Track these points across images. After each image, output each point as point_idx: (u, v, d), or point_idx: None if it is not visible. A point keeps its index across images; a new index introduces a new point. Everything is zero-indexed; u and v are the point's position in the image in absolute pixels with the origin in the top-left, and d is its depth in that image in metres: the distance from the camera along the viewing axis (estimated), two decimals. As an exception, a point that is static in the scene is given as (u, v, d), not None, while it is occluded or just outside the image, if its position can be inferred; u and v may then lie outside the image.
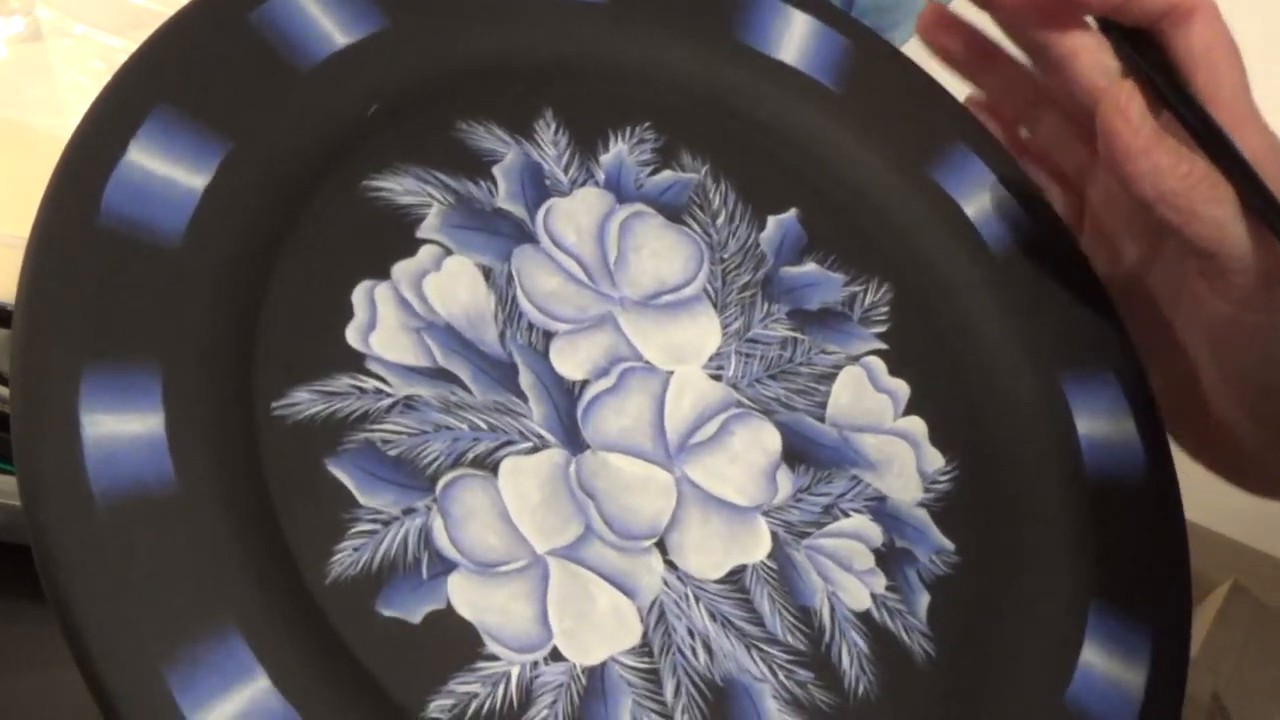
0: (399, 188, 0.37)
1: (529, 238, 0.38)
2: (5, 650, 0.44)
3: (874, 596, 0.36)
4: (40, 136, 0.53)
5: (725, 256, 0.40)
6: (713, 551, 0.35)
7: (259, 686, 0.28)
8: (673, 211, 0.40)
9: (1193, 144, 0.39)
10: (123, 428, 0.30)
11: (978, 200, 0.45)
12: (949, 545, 0.38)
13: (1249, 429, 0.41)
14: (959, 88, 0.48)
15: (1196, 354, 0.42)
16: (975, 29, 0.47)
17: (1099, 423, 0.41)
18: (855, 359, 0.40)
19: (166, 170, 0.33)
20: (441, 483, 0.33)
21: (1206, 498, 0.46)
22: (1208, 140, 0.39)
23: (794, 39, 0.45)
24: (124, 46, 0.57)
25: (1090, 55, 0.42)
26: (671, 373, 0.37)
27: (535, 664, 0.31)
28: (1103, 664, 0.37)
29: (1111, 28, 0.42)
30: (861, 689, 0.35)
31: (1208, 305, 0.40)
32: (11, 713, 0.43)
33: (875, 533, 0.37)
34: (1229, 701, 0.42)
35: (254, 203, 0.34)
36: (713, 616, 0.34)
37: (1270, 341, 0.39)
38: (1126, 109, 0.39)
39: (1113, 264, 0.46)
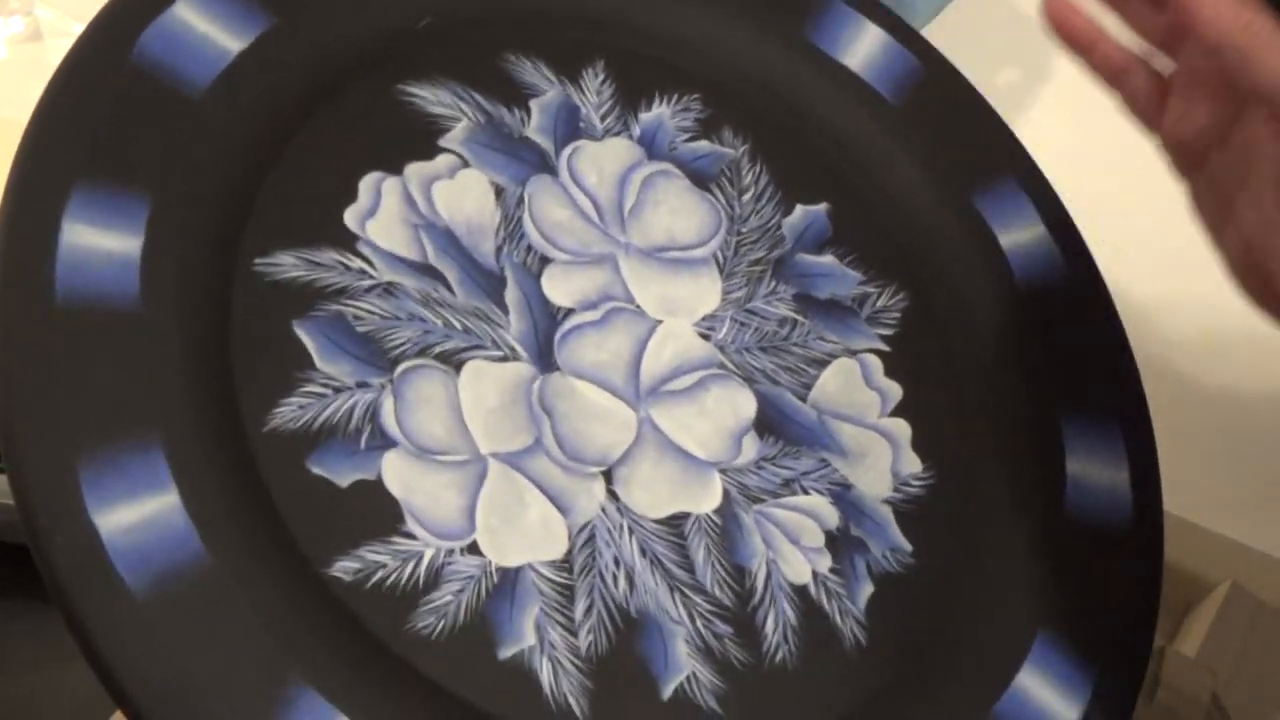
0: (433, 98, 0.38)
1: (549, 170, 0.38)
2: (5, 650, 0.45)
3: (815, 574, 0.36)
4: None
5: (744, 230, 0.40)
6: (659, 493, 0.35)
7: (167, 501, 0.29)
8: (701, 179, 0.41)
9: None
10: (99, 241, 0.31)
11: (1015, 234, 0.44)
12: (906, 546, 0.37)
13: None
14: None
15: (1270, 210, 0.41)
16: None
17: (1091, 466, 0.40)
18: (853, 353, 0.40)
19: (206, 28, 0.35)
20: (401, 367, 0.33)
21: (1206, 498, 0.45)
22: None
23: (863, 49, 0.45)
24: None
25: None
26: (660, 322, 0.37)
27: (451, 551, 0.31)
28: (1038, 691, 0.36)
29: None
30: (780, 656, 0.34)
31: (1275, 153, 0.40)
32: (11, 712, 0.44)
33: (832, 516, 0.37)
34: (1229, 701, 0.40)
35: (286, 77, 0.35)
36: (643, 552, 0.34)
37: None
38: None
39: (1196, 127, 0.45)
